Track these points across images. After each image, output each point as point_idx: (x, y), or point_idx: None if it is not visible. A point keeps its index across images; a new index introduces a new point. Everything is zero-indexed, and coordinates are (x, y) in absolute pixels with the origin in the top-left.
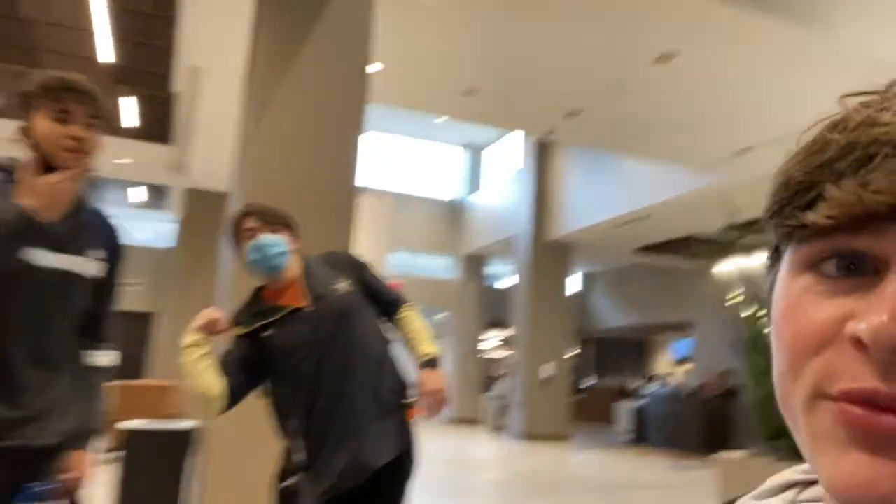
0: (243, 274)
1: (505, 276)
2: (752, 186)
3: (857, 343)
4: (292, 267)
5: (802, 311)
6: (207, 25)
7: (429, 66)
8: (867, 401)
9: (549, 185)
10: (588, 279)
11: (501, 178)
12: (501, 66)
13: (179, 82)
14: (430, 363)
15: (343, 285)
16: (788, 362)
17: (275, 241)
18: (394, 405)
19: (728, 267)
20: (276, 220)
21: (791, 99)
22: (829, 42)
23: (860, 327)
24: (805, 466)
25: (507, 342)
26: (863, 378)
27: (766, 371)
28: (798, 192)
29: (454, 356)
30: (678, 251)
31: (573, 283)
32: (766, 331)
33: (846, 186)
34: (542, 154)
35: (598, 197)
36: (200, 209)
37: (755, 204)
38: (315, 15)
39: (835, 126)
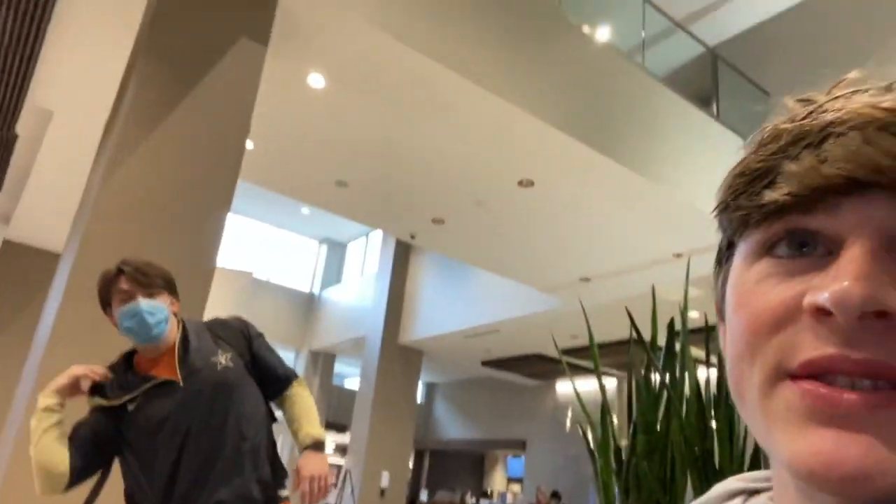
0: (63, 343)
1: (352, 377)
2: (590, 315)
3: (818, 313)
4: (171, 333)
5: (759, 293)
6: (69, 66)
7: (303, 150)
8: (829, 369)
9: (406, 289)
10: (430, 389)
11: (360, 276)
12: (375, 163)
13: (23, 124)
14: (314, 446)
15: (223, 358)
16: (746, 344)
17: (153, 308)
18: (263, 499)
19: (565, 388)
20: (154, 282)
21: (629, 238)
22: (661, 193)
23: (822, 296)
24: (749, 475)
25: (344, 447)
26: (824, 345)
27: (618, 472)
28: (755, 178)
29: (287, 457)
30: (521, 368)
31: (417, 392)
32: (616, 445)
33: (804, 162)
34: (403, 256)
35: (452, 306)
36: (17, 266)
37: (596, 330)
38: (196, 76)
39: (784, 120)
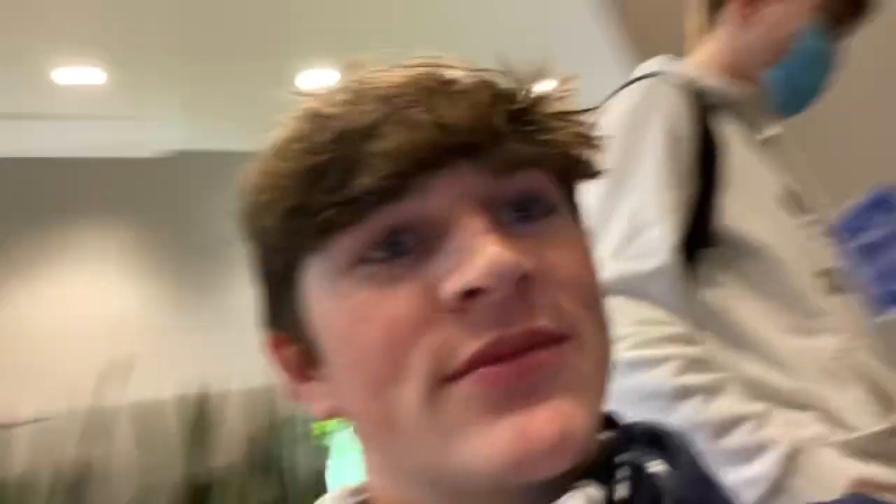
0: None
1: None
2: None
3: (464, 300)
4: None
5: (376, 303)
6: None
7: None
8: (496, 355)
9: None
10: None
11: None
12: None
13: None
14: None
15: None
16: (386, 364)
17: None
18: None
19: None
20: None
21: None
22: None
23: (470, 276)
24: (353, 487)
25: None
26: (483, 332)
27: None
28: (326, 172)
29: None
30: None
31: None
32: None
33: (393, 137)
34: None
35: None
36: None
37: None
38: None
39: (312, 111)
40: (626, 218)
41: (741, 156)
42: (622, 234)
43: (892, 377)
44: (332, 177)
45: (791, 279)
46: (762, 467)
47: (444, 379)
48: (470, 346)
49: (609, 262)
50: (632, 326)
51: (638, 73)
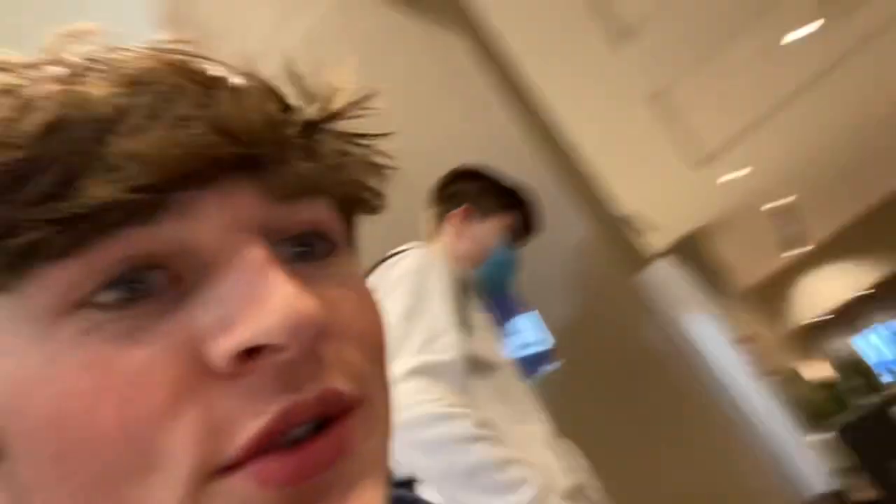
0: None
1: None
2: None
3: (241, 360)
4: None
5: (106, 367)
6: None
7: None
8: (285, 431)
9: None
10: None
11: None
12: None
13: None
14: None
15: None
16: (125, 456)
17: None
18: None
19: None
20: None
21: None
22: None
23: (253, 332)
24: None
25: None
26: (267, 404)
27: None
28: (37, 173)
29: None
30: None
31: None
32: None
33: (152, 135)
34: None
35: None
36: None
37: None
38: None
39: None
40: (426, 326)
41: (473, 312)
42: (425, 337)
43: (572, 450)
44: (43, 183)
45: (512, 388)
46: (524, 496)
47: (215, 471)
48: (251, 425)
49: (415, 355)
50: (438, 393)
51: (398, 249)
